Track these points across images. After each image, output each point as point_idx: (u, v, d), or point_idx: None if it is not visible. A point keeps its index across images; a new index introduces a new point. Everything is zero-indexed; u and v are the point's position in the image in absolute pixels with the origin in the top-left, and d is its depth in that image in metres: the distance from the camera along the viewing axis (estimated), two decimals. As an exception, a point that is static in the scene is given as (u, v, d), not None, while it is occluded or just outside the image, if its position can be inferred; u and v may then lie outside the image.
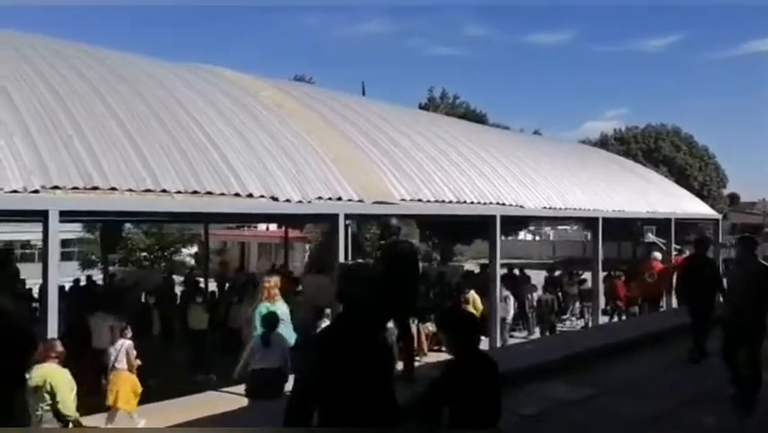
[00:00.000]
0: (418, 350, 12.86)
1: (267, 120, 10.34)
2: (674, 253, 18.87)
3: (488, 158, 13.74)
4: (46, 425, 5.87)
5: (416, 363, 12.21)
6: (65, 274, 21.74)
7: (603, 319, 15.88)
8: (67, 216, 6.76)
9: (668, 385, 7.39)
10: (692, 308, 8.55)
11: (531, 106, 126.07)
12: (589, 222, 15.75)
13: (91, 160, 7.27)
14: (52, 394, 5.91)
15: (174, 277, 18.49)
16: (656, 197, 18.44)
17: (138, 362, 8.79)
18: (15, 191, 6.38)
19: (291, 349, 7.54)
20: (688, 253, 15.92)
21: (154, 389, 9.19)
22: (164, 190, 7.56)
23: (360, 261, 3.14)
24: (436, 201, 11.01)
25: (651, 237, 28.27)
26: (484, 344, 13.13)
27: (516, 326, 15.71)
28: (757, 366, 6.36)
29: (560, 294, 17.49)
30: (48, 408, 5.92)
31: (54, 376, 5.97)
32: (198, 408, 7.73)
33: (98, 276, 20.07)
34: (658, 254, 16.52)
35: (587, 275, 16.71)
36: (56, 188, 6.71)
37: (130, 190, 7.28)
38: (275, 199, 8.65)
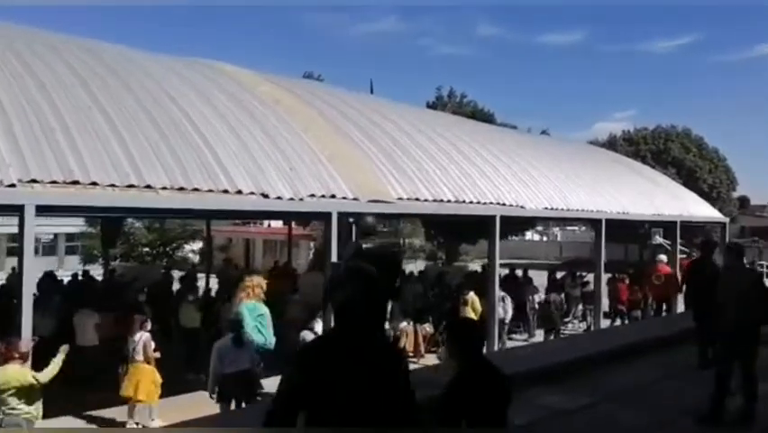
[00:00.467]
0: (415, 352, 12.65)
1: (262, 116, 10.12)
2: (681, 256, 18.56)
3: (489, 157, 13.47)
4: (7, 428, 5.67)
5: (414, 366, 12.10)
6: (69, 269, 21.71)
7: (605, 322, 15.61)
8: (44, 210, 6.56)
9: (669, 393, 7.12)
10: (697, 312, 8.31)
11: (541, 107, 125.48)
12: (592, 223, 15.42)
13: (73, 153, 7.08)
14: (17, 396, 5.70)
15: (176, 273, 18.40)
16: (662, 199, 18.11)
17: (156, 354, 8.66)
18: (-9, 184, 6.20)
19: (271, 352, 7.37)
20: (695, 256, 15.60)
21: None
22: (148, 186, 7.36)
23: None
24: (434, 201, 10.77)
25: (658, 240, 27.90)
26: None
27: (516, 328, 15.45)
28: (753, 379, 6.04)
29: (562, 296, 17.17)
30: (10, 411, 5.71)
31: (15, 378, 5.75)
32: (186, 409, 7.55)
33: (100, 271, 20.02)
34: (664, 257, 16.21)
35: (591, 277, 16.41)
36: (33, 181, 6.51)
37: (112, 186, 7.08)
38: (265, 197, 8.43)
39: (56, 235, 34.74)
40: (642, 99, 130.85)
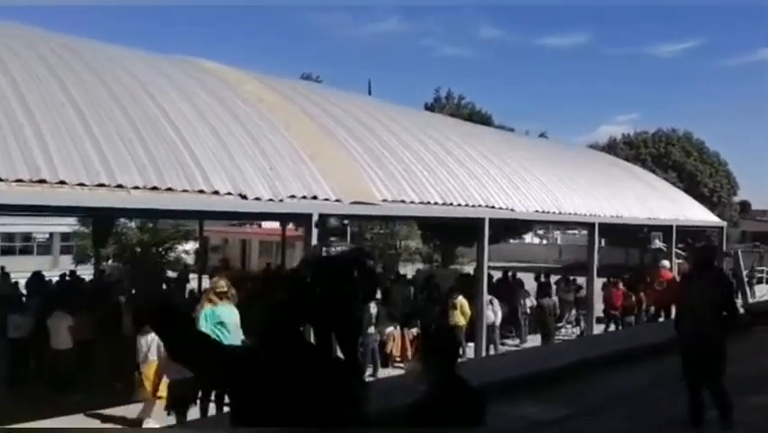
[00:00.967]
0: (402, 356, 12.45)
1: (244, 114, 9.91)
2: (679, 261, 18.35)
3: (480, 159, 13.27)
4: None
5: (403, 370, 11.91)
6: (63, 268, 21.55)
7: (599, 328, 15.39)
8: (8, 210, 6.37)
9: (653, 404, 6.91)
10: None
11: (544, 110, 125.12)
12: (586, 227, 15.23)
13: (42, 151, 6.88)
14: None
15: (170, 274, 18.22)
16: (658, 202, 17.90)
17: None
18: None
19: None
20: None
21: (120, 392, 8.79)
22: (120, 185, 7.16)
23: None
24: (421, 203, 10.56)
25: (658, 244, 27.69)
26: (471, 350, 12.71)
27: (508, 333, 15.24)
28: (722, 394, 5.72)
29: (555, 300, 16.93)
30: None
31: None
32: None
33: (91, 271, 19.83)
34: (667, 262, 16.01)
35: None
36: (-3, 179, 6.32)
37: (81, 184, 6.88)
38: (243, 197, 8.23)
39: (51, 235, 34.63)
40: (645, 103, 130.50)
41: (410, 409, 3.23)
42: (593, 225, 14.38)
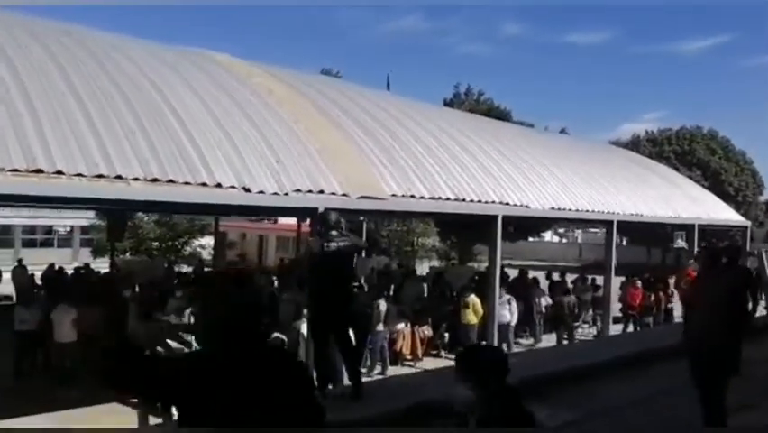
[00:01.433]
0: (413, 355, 12.22)
1: (251, 106, 9.74)
2: (690, 262, 17.86)
3: (494, 154, 12.97)
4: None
5: (413, 370, 11.68)
6: (83, 261, 21.68)
7: (616, 328, 15.02)
8: (2, 199, 6.25)
9: (663, 411, 6.59)
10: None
11: (567, 107, 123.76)
12: (604, 225, 14.85)
13: (40, 140, 6.76)
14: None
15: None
16: (680, 201, 17.45)
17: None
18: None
19: None
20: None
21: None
22: (119, 176, 7.02)
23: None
24: (431, 198, 10.31)
25: (680, 243, 27.09)
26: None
27: (522, 332, 14.92)
28: (722, 405, 5.27)
29: (574, 298, 16.55)
30: None
31: None
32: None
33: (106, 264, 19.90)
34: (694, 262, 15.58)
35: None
36: (-7, 169, 6.21)
37: (79, 175, 6.75)
38: (247, 191, 8.06)
39: (72, 228, 34.91)
40: (671, 101, 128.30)
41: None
42: (611, 222, 14.01)
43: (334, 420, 5.30)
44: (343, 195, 8.99)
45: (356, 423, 5.37)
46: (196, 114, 8.72)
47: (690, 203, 18.11)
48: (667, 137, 42.85)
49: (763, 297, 14.11)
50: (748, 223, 20.43)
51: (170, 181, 7.41)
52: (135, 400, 6.06)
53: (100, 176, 6.89)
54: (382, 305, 11.25)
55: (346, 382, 6.53)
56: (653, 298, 15.58)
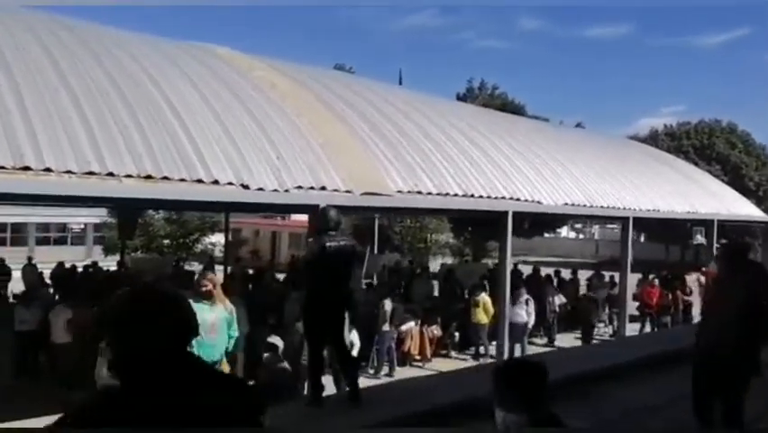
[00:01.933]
0: (421, 355, 11.93)
1: (252, 100, 9.48)
2: (704, 269, 17.37)
3: (505, 149, 12.62)
4: None
5: (422, 372, 11.39)
6: (96, 259, 21.66)
7: (632, 327, 14.60)
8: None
9: (683, 416, 6.22)
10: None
11: (583, 102, 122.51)
12: (620, 221, 14.44)
13: (28, 136, 6.53)
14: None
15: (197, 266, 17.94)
16: (698, 196, 16.96)
17: None
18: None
19: None
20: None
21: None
22: (111, 173, 6.79)
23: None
24: (439, 194, 10.00)
25: (699, 239, 26.52)
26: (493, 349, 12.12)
27: (536, 332, 14.55)
28: (738, 410, 4.87)
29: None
30: None
31: None
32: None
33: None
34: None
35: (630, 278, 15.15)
36: (-22, 167, 6.00)
37: (69, 172, 6.52)
38: (245, 187, 7.80)
39: (85, 225, 34.98)
40: (690, 94, 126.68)
41: None
42: (627, 219, 13.61)
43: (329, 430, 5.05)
44: (346, 191, 8.71)
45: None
46: (194, 108, 8.48)
47: (710, 198, 17.62)
48: (686, 131, 42.06)
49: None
50: (770, 218, 19.87)
51: (165, 178, 7.16)
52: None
53: (91, 173, 6.65)
54: (388, 304, 10.96)
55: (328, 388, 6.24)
56: (670, 296, 15.14)
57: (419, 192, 9.71)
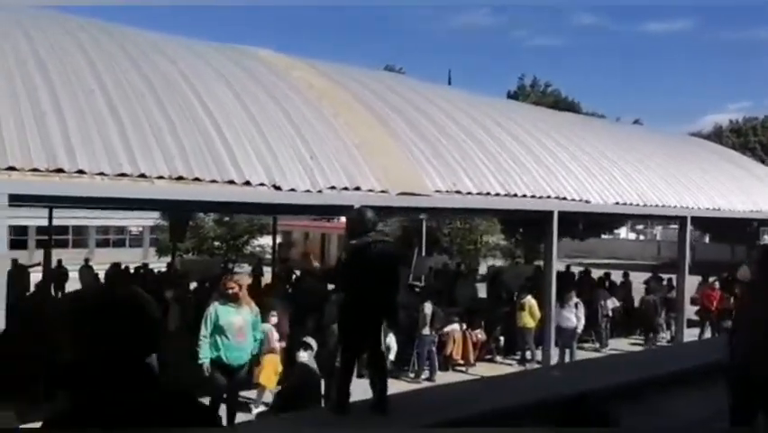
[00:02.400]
0: (464, 360, 11.61)
1: (288, 101, 9.39)
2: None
3: (552, 146, 12.18)
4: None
5: (464, 374, 11.10)
6: (152, 261, 22.19)
7: (691, 332, 13.88)
8: (19, 200, 6.11)
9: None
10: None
11: (643, 99, 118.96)
12: (678, 220, 13.76)
13: (63, 139, 6.60)
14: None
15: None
16: (764, 193, 16.01)
17: (281, 344, 9.06)
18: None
19: None
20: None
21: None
22: (142, 175, 6.79)
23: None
24: (479, 194, 9.69)
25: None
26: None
27: (588, 337, 13.99)
28: None
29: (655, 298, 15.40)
30: None
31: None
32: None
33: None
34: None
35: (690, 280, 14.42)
36: (11, 168, 6.07)
37: (101, 174, 6.55)
38: (277, 188, 7.70)
39: (143, 228, 35.93)
40: (757, 90, 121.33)
41: None
42: (685, 218, 12.94)
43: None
44: (382, 191, 8.52)
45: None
46: (228, 109, 8.45)
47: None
48: (752, 127, 40.20)
49: None
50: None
51: (196, 180, 7.14)
52: None
53: (123, 175, 6.68)
54: (428, 307, 10.69)
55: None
56: (732, 300, 14.31)
57: (458, 192, 9.43)
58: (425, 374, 10.78)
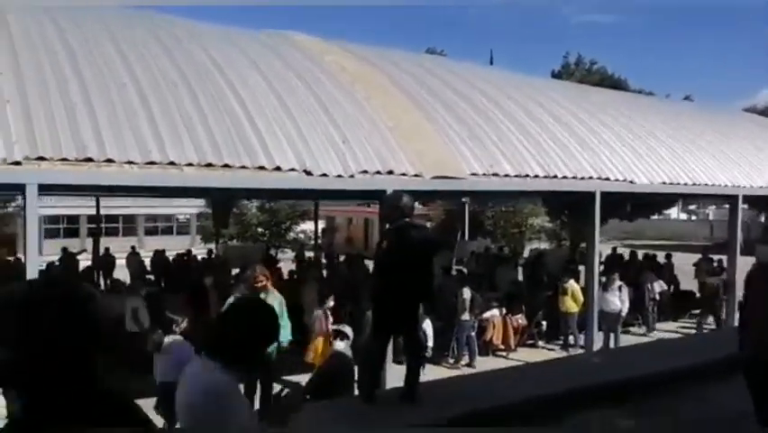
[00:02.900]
0: (505, 345, 11.40)
1: (319, 85, 9.28)
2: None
3: (595, 125, 11.76)
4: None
5: (504, 360, 10.91)
6: (199, 247, 22.51)
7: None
8: (50, 190, 6.17)
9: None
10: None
11: (694, 74, 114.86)
12: (729, 200, 13.16)
13: (92, 128, 6.63)
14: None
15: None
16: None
17: (332, 327, 8.74)
18: (-6, 162, 5.87)
19: None
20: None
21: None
22: (172, 163, 6.78)
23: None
24: (517, 176, 9.41)
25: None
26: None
27: (634, 320, 13.58)
28: None
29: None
30: None
31: None
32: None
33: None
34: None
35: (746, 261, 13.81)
36: (41, 159, 6.12)
37: (129, 162, 6.56)
38: (308, 173, 7.61)
39: (191, 216, 36.56)
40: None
41: None
42: (736, 197, 12.37)
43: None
44: (415, 175, 8.33)
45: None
46: (258, 94, 8.39)
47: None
48: (812, 101, 38.31)
49: None
50: None
51: (226, 166, 7.10)
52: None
53: (152, 163, 6.68)
54: (467, 292, 10.50)
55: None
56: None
57: (495, 175, 9.18)
58: (465, 360, 10.62)
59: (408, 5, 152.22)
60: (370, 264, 8.50)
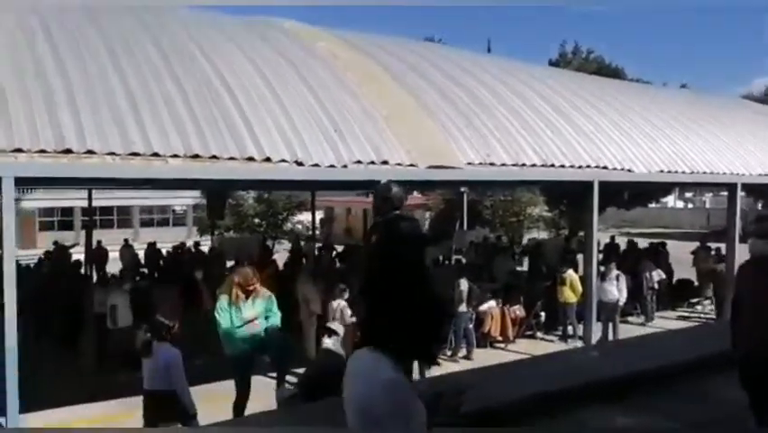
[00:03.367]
0: (503, 336, 11.24)
1: (311, 72, 9.04)
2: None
3: (592, 113, 11.55)
4: None
5: (503, 351, 10.75)
6: (195, 239, 22.28)
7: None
8: (27, 183, 5.95)
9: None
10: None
11: (691, 63, 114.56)
12: (727, 188, 12.99)
13: (73, 119, 6.41)
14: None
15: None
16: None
17: (352, 319, 8.76)
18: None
19: None
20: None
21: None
22: (156, 154, 6.56)
23: None
24: (514, 165, 9.21)
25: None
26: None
27: (633, 309, 13.43)
28: None
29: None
30: None
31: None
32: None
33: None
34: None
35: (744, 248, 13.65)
36: (18, 150, 5.90)
37: (111, 154, 6.34)
38: (299, 164, 7.40)
39: (187, 207, 36.23)
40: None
41: None
42: (734, 184, 12.19)
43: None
44: (410, 165, 8.13)
45: None
46: (247, 82, 8.15)
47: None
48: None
49: None
50: None
51: (213, 157, 6.88)
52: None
53: (135, 154, 6.46)
54: (464, 284, 10.32)
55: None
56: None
57: (491, 164, 8.97)
58: (463, 352, 10.46)
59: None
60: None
